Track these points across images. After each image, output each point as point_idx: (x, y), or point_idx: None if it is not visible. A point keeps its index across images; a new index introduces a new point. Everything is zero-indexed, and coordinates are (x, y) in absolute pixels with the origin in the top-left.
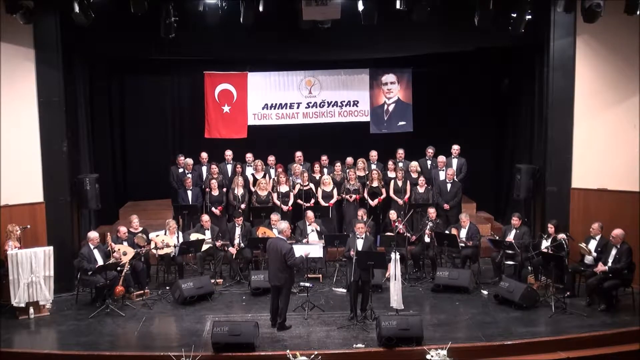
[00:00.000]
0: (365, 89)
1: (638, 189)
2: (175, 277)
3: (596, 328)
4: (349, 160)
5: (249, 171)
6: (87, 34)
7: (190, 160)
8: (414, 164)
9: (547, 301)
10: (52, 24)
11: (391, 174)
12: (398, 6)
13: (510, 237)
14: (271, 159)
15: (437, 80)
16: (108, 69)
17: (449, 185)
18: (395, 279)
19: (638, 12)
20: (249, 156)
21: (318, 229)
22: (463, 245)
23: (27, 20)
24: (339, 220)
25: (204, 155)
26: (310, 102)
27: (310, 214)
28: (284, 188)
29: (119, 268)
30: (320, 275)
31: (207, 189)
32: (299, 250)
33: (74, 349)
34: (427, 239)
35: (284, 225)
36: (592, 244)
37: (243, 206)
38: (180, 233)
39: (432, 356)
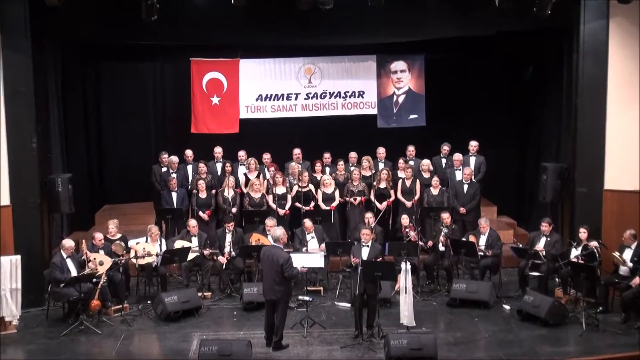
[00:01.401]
0: (372, 78)
1: None
2: (158, 290)
3: (632, 348)
4: (352, 155)
5: (241, 171)
6: (59, 17)
7: (175, 158)
8: (426, 162)
9: (577, 317)
10: (19, 5)
11: (401, 174)
12: None
13: (540, 246)
14: (266, 157)
15: (453, 68)
16: (83, 56)
17: (465, 187)
18: (405, 292)
19: None
20: (242, 154)
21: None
22: (482, 254)
23: None
24: (342, 226)
25: (189, 153)
26: (310, 93)
27: (308, 223)
28: (280, 189)
29: (94, 280)
30: (321, 288)
31: (194, 191)
32: (298, 261)
33: None
34: (441, 247)
35: (280, 232)
36: (627, 254)
37: (234, 210)
38: (163, 240)
39: None
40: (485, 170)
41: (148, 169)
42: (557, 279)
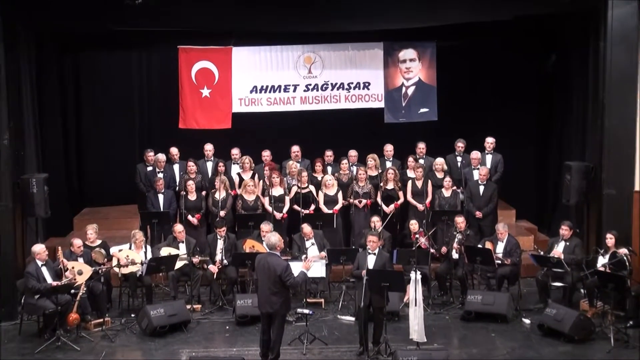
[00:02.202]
0: (378, 68)
1: None
2: (143, 302)
3: None
4: (351, 154)
5: (235, 170)
6: (33, 2)
7: (162, 156)
8: (440, 161)
9: (604, 332)
10: None
11: (411, 174)
12: None
13: (558, 252)
14: (265, 154)
15: (467, 57)
16: (59, 45)
17: (481, 188)
18: (415, 305)
19: None
20: (235, 152)
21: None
22: (500, 262)
23: None
24: (345, 232)
25: (174, 151)
26: (310, 84)
27: (307, 228)
28: (277, 191)
29: (72, 291)
30: (323, 300)
31: (182, 192)
32: (297, 270)
33: None
34: (455, 255)
35: (275, 238)
36: None
37: (222, 213)
38: (148, 247)
39: None
40: (503, 170)
41: (132, 169)
42: (582, 290)
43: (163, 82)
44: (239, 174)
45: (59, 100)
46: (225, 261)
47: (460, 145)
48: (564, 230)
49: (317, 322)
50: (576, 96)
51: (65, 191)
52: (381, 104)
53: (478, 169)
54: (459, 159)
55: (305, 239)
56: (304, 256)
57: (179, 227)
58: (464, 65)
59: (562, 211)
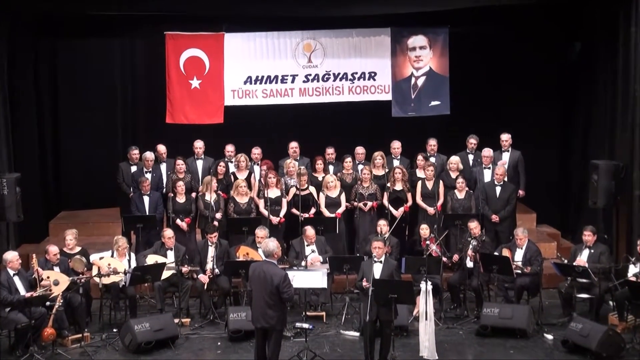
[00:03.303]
0: (385, 56)
1: None
2: (126, 316)
3: None
4: (359, 151)
5: (230, 169)
6: None
7: (150, 155)
8: (455, 160)
9: (635, 349)
10: None
11: (420, 174)
12: None
13: (582, 261)
14: (256, 152)
15: (482, 45)
16: (34, 31)
17: (498, 189)
18: (426, 319)
19: None
20: (230, 149)
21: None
22: (519, 271)
23: None
24: (349, 237)
25: (162, 149)
26: (310, 75)
27: (310, 231)
28: (273, 192)
29: (48, 303)
30: (324, 313)
31: (170, 194)
32: (296, 280)
33: None
34: (469, 264)
35: (273, 245)
36: None
37: (218, 215)
38: (132, 255)
39: None
40: (524, 169)
41: (114, 168)
42: (611, 303)
43: (148, 73)
44: (233, 174)
45: (34, 92)
46: (216, 270)
47: (472, 141)
48: (587, 235)
49: (318, 337)
50: (603, 88)
51: (40, 192)
52: (388, 97)
53: (489, 168)
54: (470, 157)
55: (306, 243)
56: (302, 263)
57: (168, 233)
58: (479, 54)
59: (588, 215)
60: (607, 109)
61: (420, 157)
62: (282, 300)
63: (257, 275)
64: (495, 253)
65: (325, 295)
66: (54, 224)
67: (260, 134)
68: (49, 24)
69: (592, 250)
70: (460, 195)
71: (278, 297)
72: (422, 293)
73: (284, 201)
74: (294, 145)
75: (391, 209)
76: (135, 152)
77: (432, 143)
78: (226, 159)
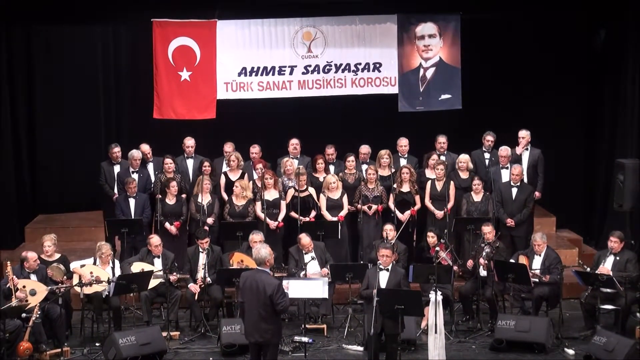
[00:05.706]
0: (391, 46)
1: None
2: (110, 328)
3: None
4: (363, 150)
5: (224, 169)
6: None
7: (137, 153)
8: (464, 159)
9: None
10: None
11: (430, 174)
12: None
13: (606, 269)
14: (253, 150)
15: (497, 32)
16: (7, 18)
17: (514, 191)
18: (435, 332)
19: None
20: (228, 149)
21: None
22: (537, 280)
23: None
24: (352, 243)
25: (145, 148)
26: (310, 66)
27: (306, 239)
28: (271, 194)
29: (24, 315)
30: (325, 326)
31: (159, 196)
32: (294, 290)
33: None
34: (482, 272)
35: (265, 251)
36: None
37: (210, 220)
38: (117, 262)
39: None
40: (543, 169)
41: (96, 167)
42: (638, 315)
43: (134, 63)
44: (225, 174)
45: (8, 85)
46: (208, 279)
47: (489, 139)
48: (613, 242)
49: (319, 352)
50: (631, 81)
51: (15, 195)
52: (395, 90)
53: (507, 167)
54: (486, 155)
55: (303, 252)
56: (302, 273)
57: (155, 240)
58: (494, 43)
59: (613, 218)
60: (635, 103)
61: (433, 156)
62: (277, 312)
63: (248, 285)
64: (511, 260)
65: (326, 306)
66: (30, 228)
67: (255, 130)
68: (21, 7)
69: (618, 258)
70: (476, 197)
71: (272, 308)
72: (432, 304)
73: (283, 204)
74: (294, 142)
75: (398, 212)
76: (116, 150)
77: (442, 140)
78: (225, 160)
